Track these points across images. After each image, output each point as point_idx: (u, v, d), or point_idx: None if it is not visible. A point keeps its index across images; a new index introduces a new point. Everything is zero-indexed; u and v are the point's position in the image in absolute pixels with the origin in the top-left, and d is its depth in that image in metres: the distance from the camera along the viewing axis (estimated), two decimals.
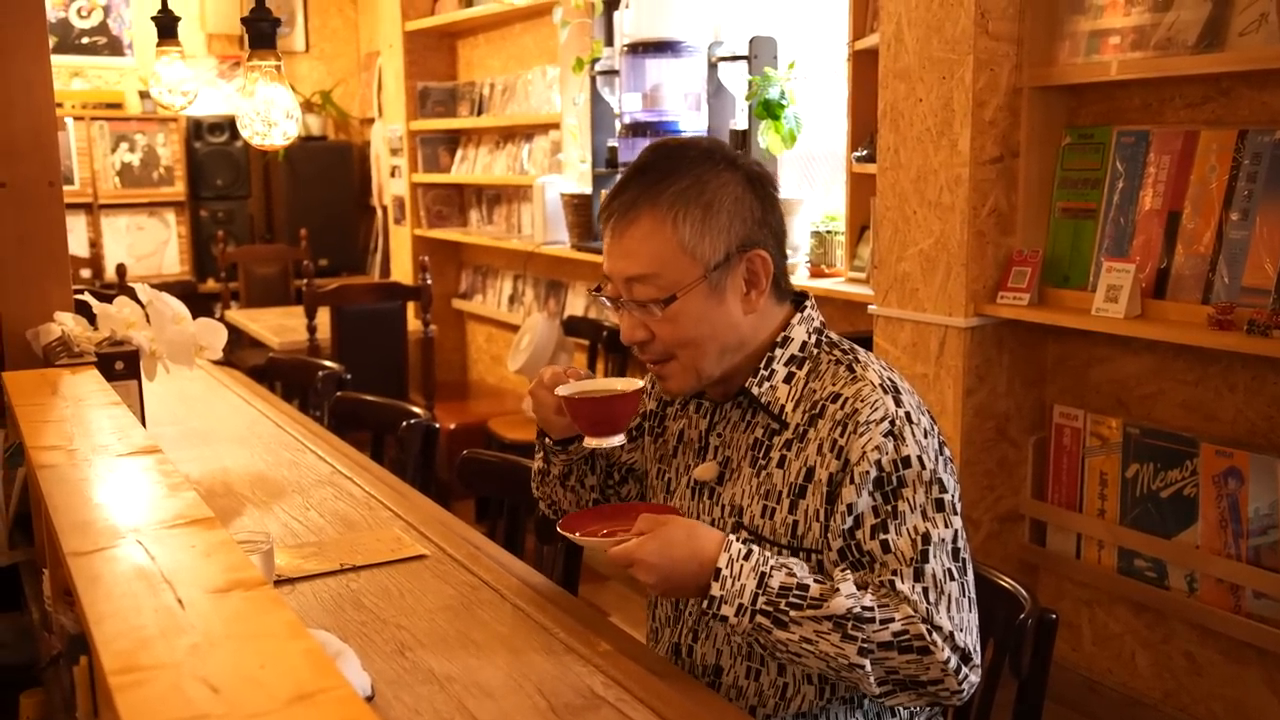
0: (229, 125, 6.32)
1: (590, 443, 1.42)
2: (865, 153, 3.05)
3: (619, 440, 1.42)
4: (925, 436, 1.34)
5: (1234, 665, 2.42)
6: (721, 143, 1.46)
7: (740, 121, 3.69)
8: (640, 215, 1.37)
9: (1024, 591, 1.47)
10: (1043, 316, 2.52)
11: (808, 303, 1.48)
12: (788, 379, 1.42)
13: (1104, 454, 2.57)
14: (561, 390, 1.45)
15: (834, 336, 1.47)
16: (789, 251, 1.60)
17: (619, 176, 1.45)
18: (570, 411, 1.43)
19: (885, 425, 1.32)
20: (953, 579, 1.29)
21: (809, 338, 1.44)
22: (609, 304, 1.45)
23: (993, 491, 2.71)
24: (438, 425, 2.54)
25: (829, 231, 3.35)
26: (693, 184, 1.37)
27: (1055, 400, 2.70)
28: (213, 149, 6.36)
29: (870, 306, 2.83)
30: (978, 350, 2.62)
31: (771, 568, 1.28)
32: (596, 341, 4.32)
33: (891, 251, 2.74)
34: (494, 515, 2.17)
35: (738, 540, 1.31)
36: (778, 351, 1.43)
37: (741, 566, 1.28)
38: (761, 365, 1.43)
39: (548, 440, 1.57)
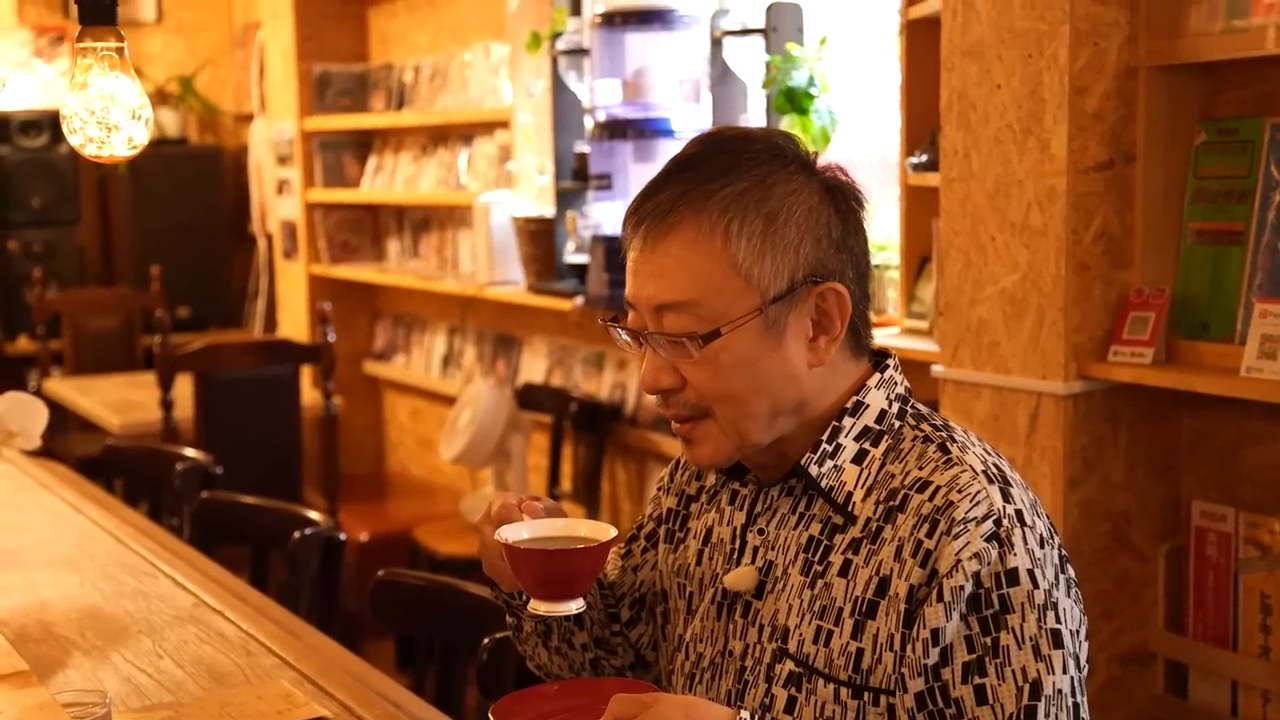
0: (50, 123, 6.31)
1: (537, 607, 1.46)
2: (925, 158, 3.10)
3: (576, 607, 1.46)
4: (1042, 546, 1.36)
5: None
6: (794, 137, 1.51)
7: (755, 117, 3.73)
8: (681, 221, 1.41)
9: None
10: (1173, 379, 2.54)
11: (889, 361, 1.52)
12: (858, 458, 1.45)
13: (1265, 568, 2.58)
14: (505, 533, 1.47)
15: (922, 408, 1.51)
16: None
17: (651, 178, 1.46)
18: (511, 563, 1.47)
19: (988, 526, 1.34)
20: None
21: (889, 406, 1.48)
22: (627, 340, 1.48)
23: (1111, 621, 2.71)
24: (343, 536, 2.54)
25: (877, 265, 3.38)
26: (753, 186, 1.41)
27: (1194, 494, 2.72)
28: (27, 157, 6.38)
29: (934, 367, 2.85)
30: (1084, 426, 2.64)
31: None
32: (562, 418, 4.32)
33: (962, 292, 2.77)
34: (422, 661, 2.17)
35: (753, 717, 1.31)
36: (847, 421, 1.46)
37: None
38: (824, 438, 1.45)
39: (505, 594, 1.61)
